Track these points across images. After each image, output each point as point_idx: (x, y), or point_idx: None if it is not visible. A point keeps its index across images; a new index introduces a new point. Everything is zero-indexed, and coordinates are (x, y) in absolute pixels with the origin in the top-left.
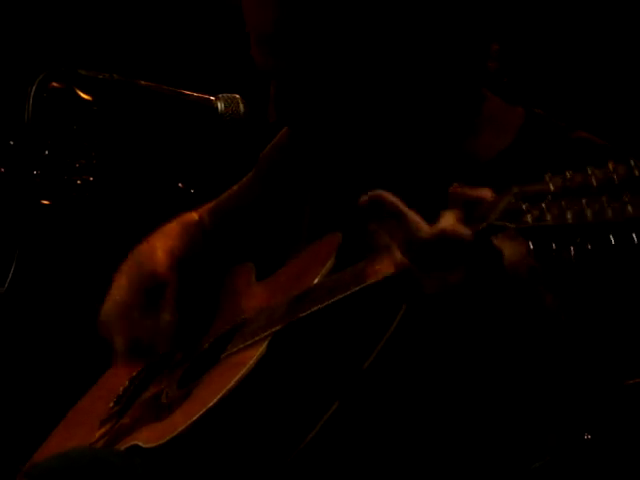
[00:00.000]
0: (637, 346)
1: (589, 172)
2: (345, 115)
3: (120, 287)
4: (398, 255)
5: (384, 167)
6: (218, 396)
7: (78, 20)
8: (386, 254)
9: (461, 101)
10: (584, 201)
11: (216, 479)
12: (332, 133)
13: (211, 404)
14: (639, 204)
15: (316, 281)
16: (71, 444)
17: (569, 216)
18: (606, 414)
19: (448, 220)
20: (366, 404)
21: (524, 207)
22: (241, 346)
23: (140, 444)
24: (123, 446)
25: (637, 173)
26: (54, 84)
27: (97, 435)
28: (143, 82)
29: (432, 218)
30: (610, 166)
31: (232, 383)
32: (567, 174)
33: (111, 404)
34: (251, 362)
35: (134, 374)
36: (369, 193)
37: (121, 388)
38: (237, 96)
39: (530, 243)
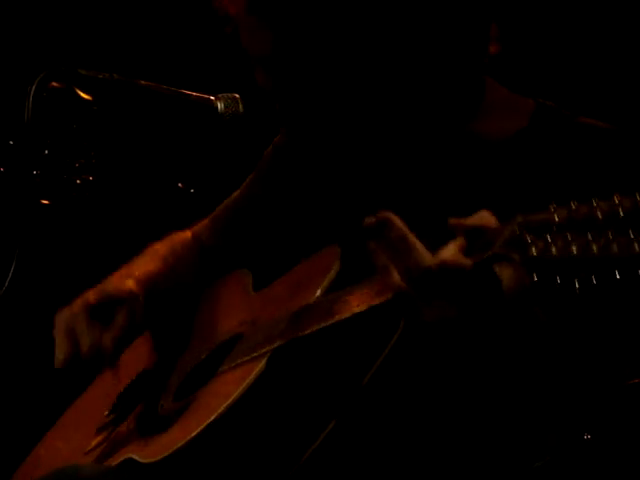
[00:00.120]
0: (636, 347)
1: (594, 204)
2: (347, 113)
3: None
4: (396, 278)
5: (387, 157)
6: (217, 412)
7: (78, 20)
8: (385, 275)
9: (462, 84)
10: (589, 235)
11: None
12: (336, 130)
13: (210, 420)
14: None
15: (315, 296)
16: (65, 451)
17: (574, 249)
18: (606, 414)
19: (450, 250)
20: (364, 420)
21: (529, 239)
22: (239, 361)
23: (137, 458)
24: (119, 458)
25: None
26: (54, 84)
27: (93, 443)
28: (143, 82)
29: (436, 207)
30: (616, 199)
31: (231, 399)
32: (572, 205)
33: (106, 412)
34: (249, 378)
35: (130, 382)
36: (377, 215)
37: (115, 396)
38: (237, 96)
39: (535, 275)
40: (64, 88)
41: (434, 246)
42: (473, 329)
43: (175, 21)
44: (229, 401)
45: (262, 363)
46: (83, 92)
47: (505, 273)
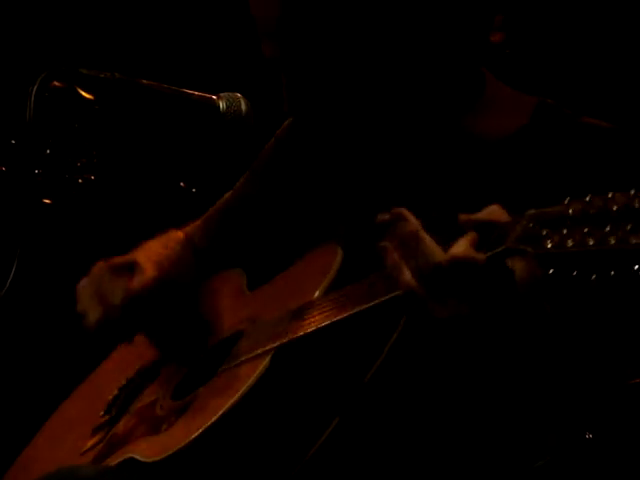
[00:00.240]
0: (638, 346)
1: (609, 196)
2: (349, 97)
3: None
4: (407, 276)
5: (387, 150)
6: (221, 411)
7: (79, 19)
8: (395, 273)
9: (460, 71)
10: (607, 227)
11: None
12: (337, 118)
13: (214, 419)
14: None
15: (317, 294)
16: (59, 452)
17: (591, 242)
18: (608, 413)
19: (461, 246)
20: (367, 417)
21: (544, 232)
22: (243, 358)
23: (138, 457)
24: (118, 458)
25: None
26: (55, 83)
27: (89, 444)
28: (145, 81)
29: (438, 203)
30: (631, 192)
31: (237, 396)
32: (587, 198)
33: (101, 412)
34: (254, 376)
35: (124, 382)
36: (392, 211)
37: (110, 397)
38: (239, 95)
39: (550, 269)
40: (66, 87)
41: (446, 243)
42: (483, 325)
43: (177, 20)
44: (235, 398)
45: (266, 360)
46: (85, 91)
47: (517, 266)
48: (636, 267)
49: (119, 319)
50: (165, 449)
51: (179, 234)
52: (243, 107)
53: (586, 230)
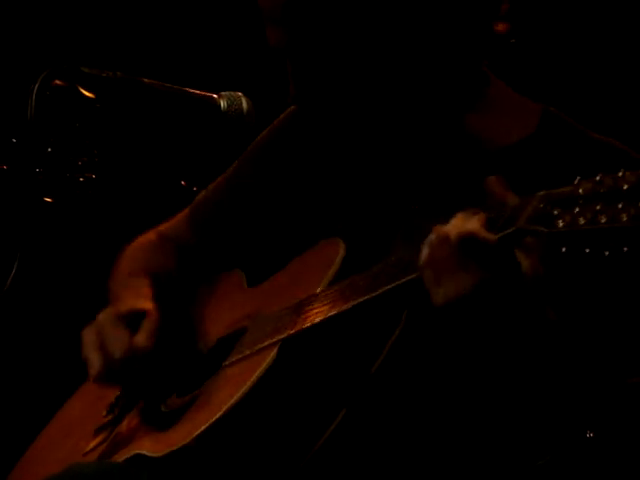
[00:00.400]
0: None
1: (620, 174)
2: (352, 86)
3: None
4: (423, 255)
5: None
6: (229, 403)
7: (81, 18)
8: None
9: (460, 73)
10: (618, 205)
11: None
12: (341, 106)
13: (221, 412)
14: None
15: (321, 286)
16: (61, 454)
17: (603, 219)
18: (608, 412)
19: (474, 223)
20: (373, 409)
21: (555, 212)
22: (248, 352)
23: (145, 453)
24: (123, 456)
25: None
26: (57, 82)
27: (92, 444)
28: (146, 80)
29: (438, 198)
30: None
31: (243, 389)
32: (597, 177)
33: (104, 412)
34: (262, 368)
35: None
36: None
37: (112, 397)
38: (240, 94)
39: (563, 248)
40: (67, 86)
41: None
42: (486, 313)
43: (178, 19)
44: (243, 390)
45: (273, 352)
46: (86, 90)
47: (521, 255)
48: None
49: (119, 371)
50: (172, 444)
51: (148, 240)
52: (244, 106)
53: (598, 208)
